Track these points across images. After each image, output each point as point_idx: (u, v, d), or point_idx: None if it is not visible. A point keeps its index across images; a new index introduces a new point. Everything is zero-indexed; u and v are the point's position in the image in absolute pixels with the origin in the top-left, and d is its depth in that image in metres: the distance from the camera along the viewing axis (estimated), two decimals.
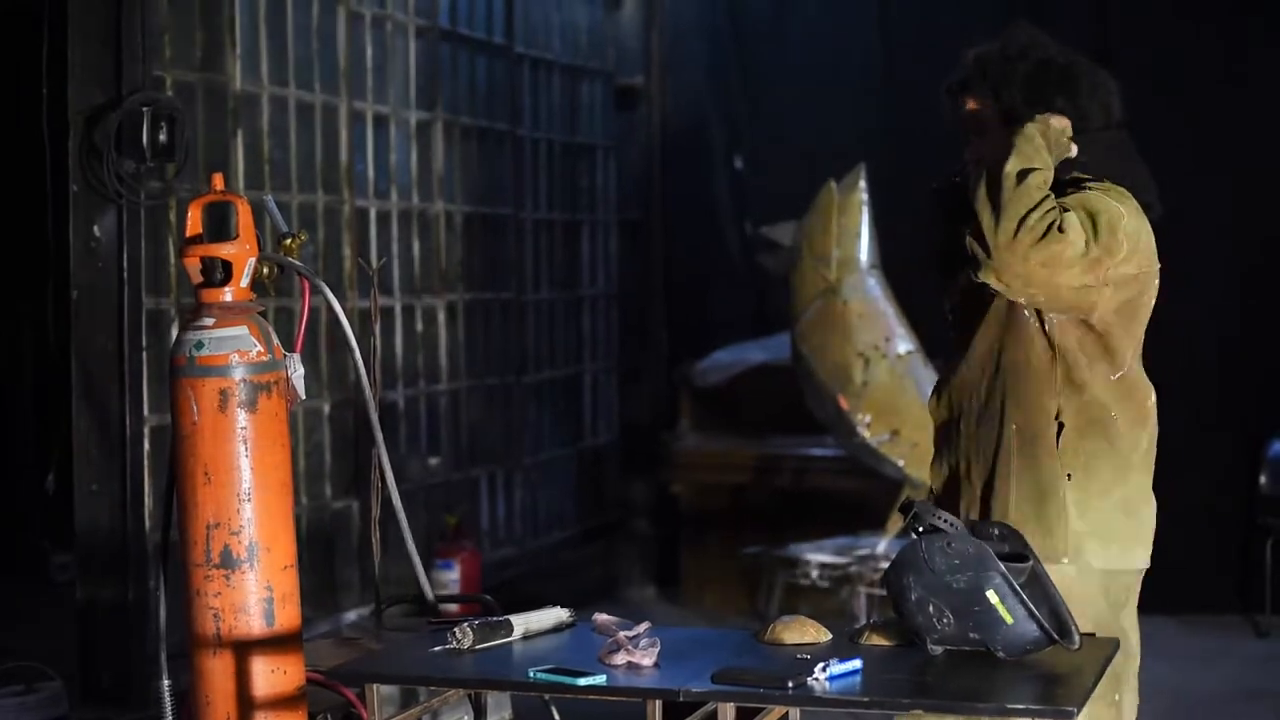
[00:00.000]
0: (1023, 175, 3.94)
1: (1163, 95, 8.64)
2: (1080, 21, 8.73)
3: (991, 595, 3.69)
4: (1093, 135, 4.14)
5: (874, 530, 7.96)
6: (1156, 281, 4.12)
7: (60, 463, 6.82)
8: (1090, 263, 3.94)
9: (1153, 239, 4.11)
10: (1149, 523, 4.16)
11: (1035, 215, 3.89)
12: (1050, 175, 3.99)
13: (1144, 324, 4.13)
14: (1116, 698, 4.09)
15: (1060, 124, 4.09)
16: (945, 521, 3.82)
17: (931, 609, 3.74)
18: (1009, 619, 3.70)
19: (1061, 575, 3.97)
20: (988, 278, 3.94)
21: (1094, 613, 4.02)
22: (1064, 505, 4.04)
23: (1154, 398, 4.16)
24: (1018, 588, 3.70)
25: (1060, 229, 3.89)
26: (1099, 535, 4.07)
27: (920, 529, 3.81)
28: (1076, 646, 3.75)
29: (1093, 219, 3.96)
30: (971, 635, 3.74)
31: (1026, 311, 4.07)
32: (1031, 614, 3.69)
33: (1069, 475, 4.04)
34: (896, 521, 7.44)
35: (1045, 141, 4.03)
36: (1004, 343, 4.12)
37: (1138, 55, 8.67)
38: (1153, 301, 4.13)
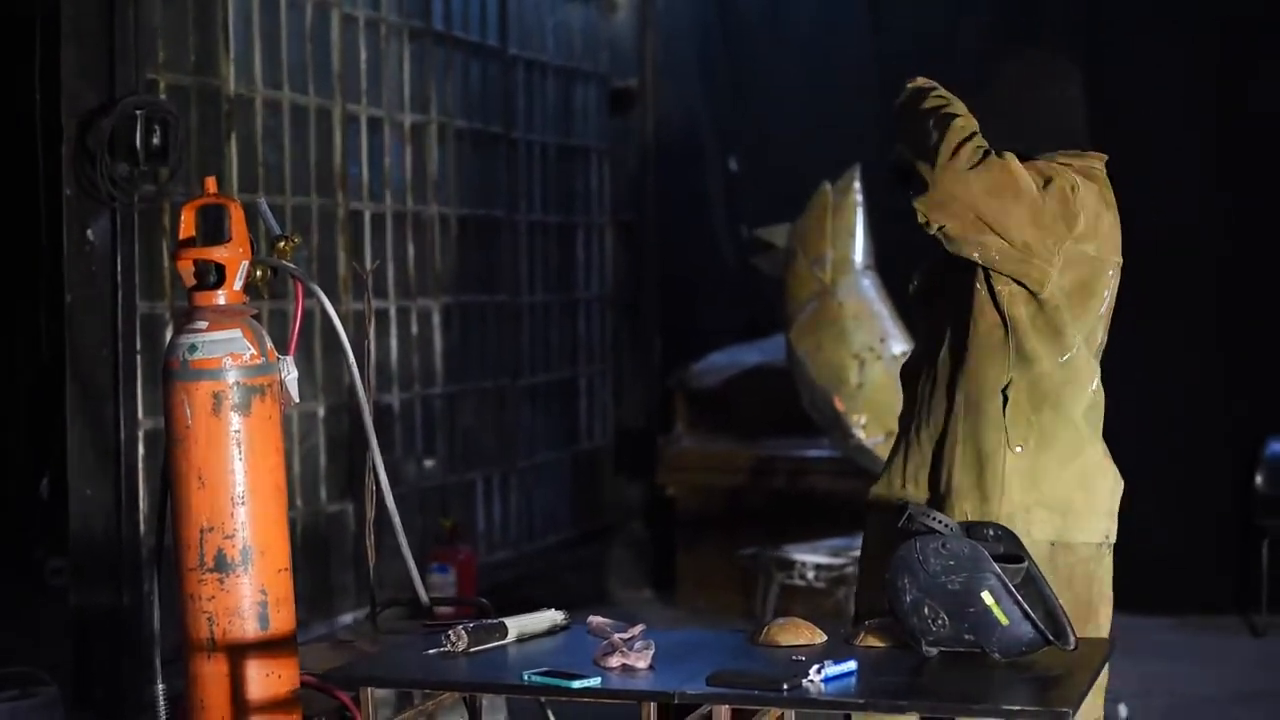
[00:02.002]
0: (947, 116, 4.00)
1: (1159, 96, 8.64)
2: (1072, 22, 8.74)
3: (986, 596, 3.69)
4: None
5: None
6: (1115, 274, 4.14)
7: (54, 467, 6.81)
8: (1040, 213, 3.97)
9: (1117, 229, 4.14)
10: (1107, 495, 4.16)
11: (969, 145, 3.94)
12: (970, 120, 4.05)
13: (1098, 313, 4.15)
14: None
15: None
16: (940, 523, 3.82)
17: (926, 610, 3.74)
18: (1004, 620, 3.69)
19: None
20: (927, 209, 3.96)
21: None
22: (1001, 475, 4.05)
23: (1098, 381, 4.18)
24: (1013, 589, 3.69)
25: (999, 155, 3.94)
26: (1050, 506, 4.09)
27: (915, 530, 3.81)
28: (1072, 648, 3.75)
29: (1046, 180, 4.00)
30: (966, 636, 3.73)
31: (978, 283, 4.10)
32: (1026, 615, 3.68)
33: (1019, 447, 4.06)
34: None
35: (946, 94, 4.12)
36: (959, 313, 4.14)
37: (1129, 55, 8.68)
38: (1111, 293, 4.15)
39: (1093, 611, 4.13)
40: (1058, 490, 4.09)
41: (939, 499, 4.15)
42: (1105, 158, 4.23)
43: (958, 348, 4.16)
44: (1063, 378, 4.11)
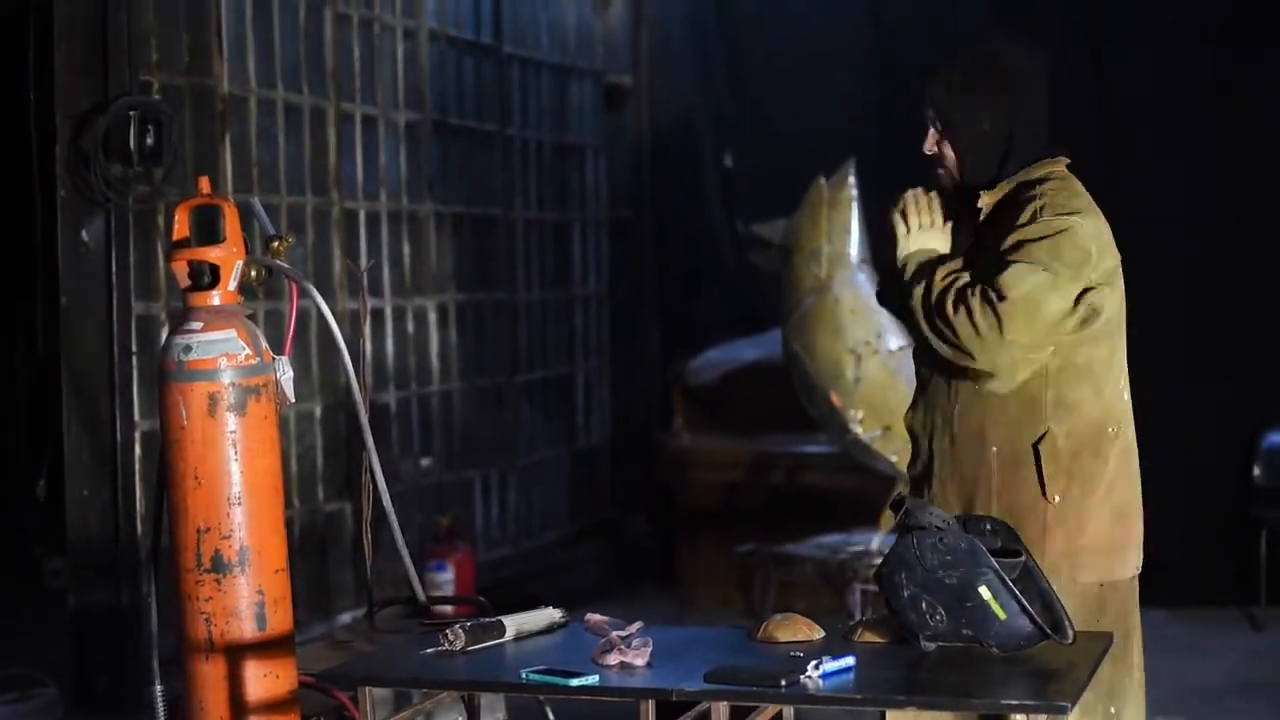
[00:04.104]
0: (919, 286, 4.03)
1: (1159, 94, 8.63)
2: (1072, 19, 8.73)
3: (984, 591, 3.68)
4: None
5: (867, 527, 7.95)
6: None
7: (51, 468, 6.81)
8: (1064, 284, 3.96)
9: (1106, 224, 4.13)
10: (1138, 528, 4.16)
11: (977, 311, 3.93)
12: (938, 245, 4.10)
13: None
14: (1112, 710, 4.07)
15: (914, 196, 4.16)
16: (937, 518, 3.81)
17: (924, 605, 3.73)
18: (1001, 614, 3.69)
19: None
20: (1007, 382, 4.00)
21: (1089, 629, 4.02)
22: (1043, 526, 4.03)
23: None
24: (1010, 583, 3.69)
25: (1001, 296, 3.92)
26: (1096, 549, 4.07)
27: (912, 525, 3.80)
28: (1070, 641, 3.74)
29: (1052, 251, 3.97)
30: (964, 631, 3.73)
31: None
32: (1024, 609, 3.68)
33: (1058, 497, 4.03)
34: (889, 518, 7.43)
35: (914, 218, 4.13)
36: None
37: (1129, 54, 8.67)
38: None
39: (1129, 645, 4.13)
40: (1101, 531, 4.07)
41: None
42: (1068, 159, 4.20)
43: (988, 401, 4.09)
44: (1122, 408, 4.10)
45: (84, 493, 6.41)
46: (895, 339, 7.67)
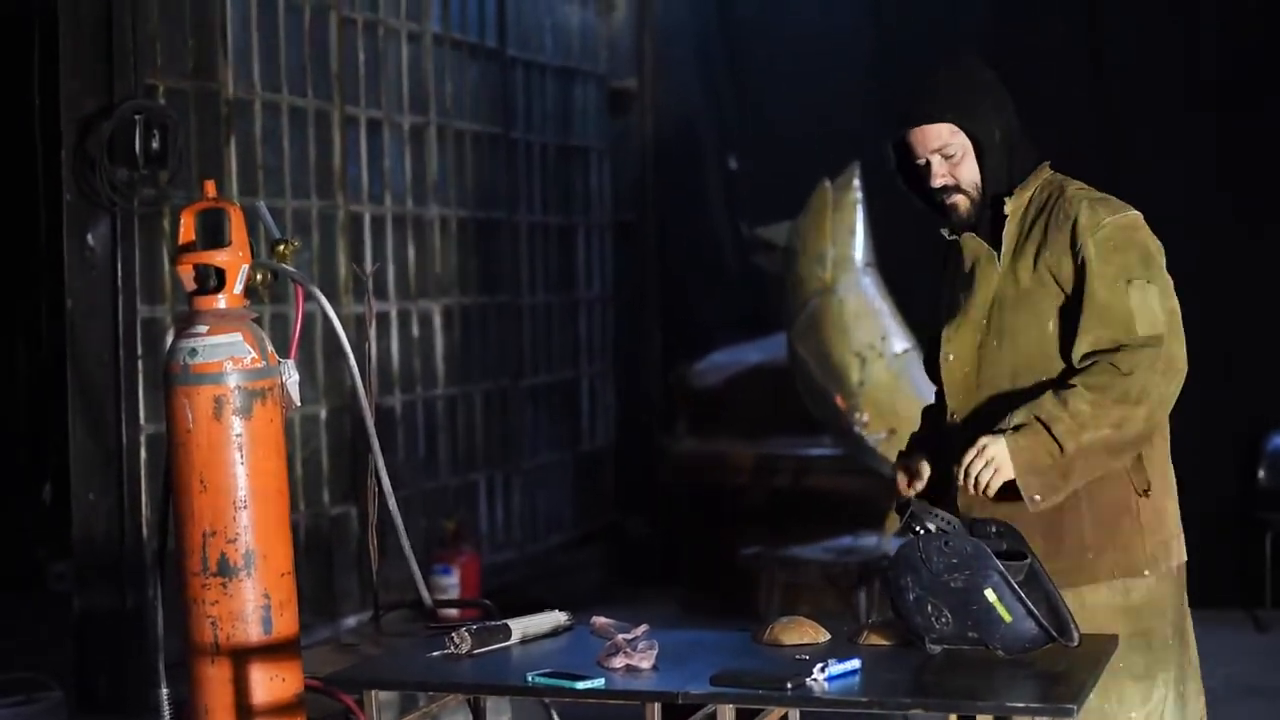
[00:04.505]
0: (1086, 433, 3.94)
1: (1155, 94, 8.63)
2: (1072, 19, 8.72)
3: (989, 594, 3.68)
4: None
5: (872, 529, 7.96)
6: None
7: (57, 472, 6.82)
8: (1168, 280, 4.14)
9: None
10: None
11: (1153, 373, 4.06)
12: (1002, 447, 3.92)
13: None
14: (1182, 690, 4.11)
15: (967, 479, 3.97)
16: (943, 520, 3.81)
17: (930, 608, 3.73)
18: (1007, 617, 3.69)
19: (1144, 588, 4.02)
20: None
21: (1174, 613, 4.07)
22: (1139, 521, 4.04)
23: None
24: (1015, 586, 3.69)
25: (1157, 340, 4.07)
26: (1176, 533, 4.15)
27: (918, 528, 3.80)
28: (1075, 644, 3.74)
29: (1144, 257, 4.07)
30: (970, 634, 3.73)
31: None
32: (1030, 612, 3.68)
33: (1145, 491, 4.05)
34: (894, 521, 7.43)
35: (985, 474, 3.92)
36: (1060, 370, 4.04)
37: (1129, 53, 8.67)
38: None
39: (1188, 624, 4.18)
40: (1175, 515, 4.17)
41: (1068, 558, 3.97)
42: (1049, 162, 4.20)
43: None
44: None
45: (89, 496, 6.42)
46: (900, 342, 7.68)
